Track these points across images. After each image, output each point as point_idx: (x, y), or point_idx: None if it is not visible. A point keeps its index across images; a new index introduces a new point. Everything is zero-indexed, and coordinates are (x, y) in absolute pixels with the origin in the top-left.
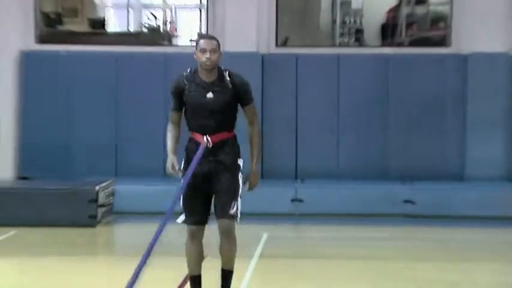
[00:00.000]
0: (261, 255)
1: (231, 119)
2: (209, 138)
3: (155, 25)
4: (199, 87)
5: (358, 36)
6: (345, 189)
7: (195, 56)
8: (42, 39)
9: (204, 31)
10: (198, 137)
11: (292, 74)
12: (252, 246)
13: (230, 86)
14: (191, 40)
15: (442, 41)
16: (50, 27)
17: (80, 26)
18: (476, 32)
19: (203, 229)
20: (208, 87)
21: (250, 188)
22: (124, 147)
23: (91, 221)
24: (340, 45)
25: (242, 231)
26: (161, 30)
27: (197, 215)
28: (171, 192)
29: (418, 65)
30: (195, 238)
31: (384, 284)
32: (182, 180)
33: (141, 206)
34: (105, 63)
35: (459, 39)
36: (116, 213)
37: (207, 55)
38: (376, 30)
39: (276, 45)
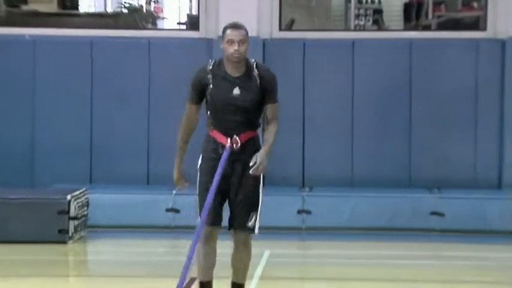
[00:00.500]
0: (262, 277)
1: (257, 117)
2: (235, 139)
3: (137, 5)
4: (225, 82)
5: (376, 18)
6: (360, 199)
7: (221, 46)
8: (2, 20)
9: (194, 12)
10: (219, 136)
11: (298, 63)
12: (252, 266)
13: (258, 80)
14: (179, 23)
15: (476, 24)
16: (12, 6)
17: (48, 5)
18: None
19: (217, 231)
20: (234, 82)
21: (256, 168)
22: (100, 149)
23: (61, 237)
24: (356, 28)
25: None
26: (144, 10)
27: (213, 215)
28: (156, 202)
29: (447, 52)
30: (209, 240)
31: None
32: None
33: (120, 218)
34: (78, 50)
35: (496, 22)
36: (91, 227)
37: (235, 46)
38: (398, 10)
39: (280, 29)
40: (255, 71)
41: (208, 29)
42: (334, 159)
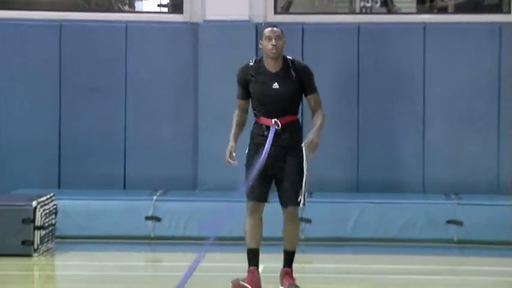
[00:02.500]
0: None
1: (296, 104)
2: (277, 121)
3: None
4: (265, 78)
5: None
6: (367, 206)
7: (260, 46)
8: None
9: None
10: (264, 120)
11: (296, 49)
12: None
13: (294, 74)
14: (160, 5)
15: (499, 6)
16: None
17: None
18: None
19: (263, 206)
20: (273, 77)
21: (308, 146)
22: (70, 149)
23: (26, 249)
24: (362, 11)
25: (231, 261)
26: None
27: (258, 192)
28: (132, 209)
29: (466, 37)
30: (254, 213)
31: None
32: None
33: (92, 228)
34: (44, 35)
35: None
36: (59, 238)
37: (273, 42)
38: None
39: (275, 11)
40: (291, 66)
41: (194, 12)
42: (337, 159)
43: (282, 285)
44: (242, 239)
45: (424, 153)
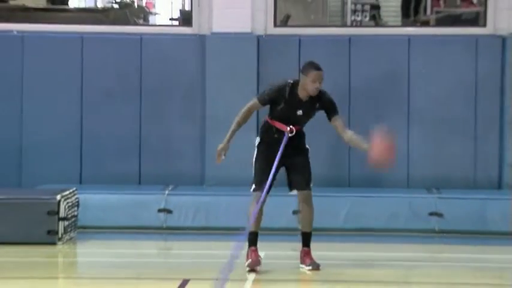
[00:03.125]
0: (256, 280)
1: (306, 123)
2: (291, 128)
3: (128, 0)
4: (294, 103)
5: (373, 13)
6: (357, 200)
7: (302, 81)
8: None
9: (187, 7)
10: (278, 125)
11: (293, 60)
12: (246, 268)
13: (317, 104)
14: (171, 19)
15: (476, 20)
16: (0, 1)
17: (36, 0)
18: None
19: (266, 197)
20: (301, 105)
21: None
22: (91, 148)
23: (50, 238)
24: (352, 24)
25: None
26: (135, 5)
27: (269, 186)
28: (146, 202)
29: (446, 48)
30: (263, 203)
31: None
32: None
33: (110, 219)
34: (67, 46)
35: (496, 18)
36: (81, 228)
37: (317, 85)
38: (395, 6)
39: (275, 24)
40: (318, 99)
41: (201, 25)
42: (329, 157)
43: (302, 262)
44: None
45: (408, 152)
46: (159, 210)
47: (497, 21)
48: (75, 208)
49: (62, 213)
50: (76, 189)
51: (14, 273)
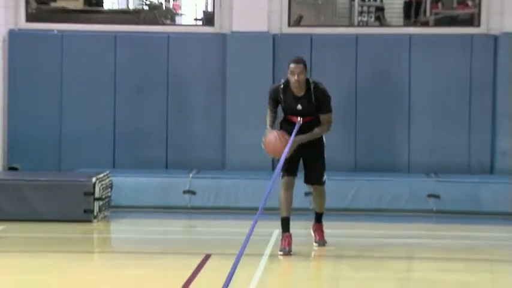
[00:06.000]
0: (271, 254)
1: (315, 113)
2: (301, 119)
3: (157, 2)
4: (291, 100)
5: (378, 14)
6: (363, 183)
7: (288, 74)
8: (32, 16)
9: (210, 8)
10: (292, 118)
11: (306, 57)
12: (262, 244)
13: (313, 97)
14: (196, 19)
15: (471, 20)
16: (42, 3)
17: (74, 2)
18: (509, 11)
19: (294, 180)
20: (298, 100)
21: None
22: (123, 136)
23: (87, 216)
24: (359, 24)
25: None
26: (163, 7)
27: (290, 169)
28: (174, 185)
29: (443, 46)
30: (288, 187)
31: (406, 286)
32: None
33: (140, 199)
34: (102, 44)
35: (489, 18)
36: (114, 208)
37: (296, 77)
38: (398, 8)
39: (289, 24)
40: (313, 91)
41: (223, 25)
42: (339, 146)
43: (314, 231)
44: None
45: (409, 141)
46: (184, 192)
47: (490, 22)
48: (109, 189)
49: (97, 194)
50: (109, 173)
51: (54, 248)
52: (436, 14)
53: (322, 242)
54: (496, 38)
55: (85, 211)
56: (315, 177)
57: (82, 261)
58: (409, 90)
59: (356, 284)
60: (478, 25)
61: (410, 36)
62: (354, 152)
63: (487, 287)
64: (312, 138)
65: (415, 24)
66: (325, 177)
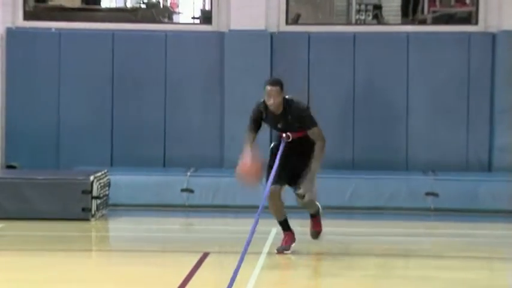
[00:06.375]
0: (269, 252)
1: (300, 127)
2: (288, 135)
3: (154, 0)
4: (272, 118)
5: (376, 12)
6: (361, 181)
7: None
8: (30, 15)
9: (207, 7)
10: (279, 133)
11: (304, 55)
12: (260, 243)
13: (289, 117)
14: (193, 17)
15: (468, 18)
16: (39, 2)
17: (72, 0)
18: (506, 9)
19: (280, 189)
20: (277, 119)
21: (304, 196)
22: (121, 134)
23: (85, 214)
24: (357, 22)
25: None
26: (161, 5)
27: (277, 179)
28: (171, 183)
29: (441, 44)
30: (273, 197)
31: (404, 283)
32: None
33: (139, 198)
34: (100, 42)
35: (487, 16)
36: (112, 206)
37: (271, 100)
38: (396, 6)
39: (287, 22)
40: (288, 110)
41: (220, 23)
42: (337, 143)
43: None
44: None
45: (407, 138)
46: (182, 190)
47: (488, 20)
48: (107, 188)
49: (94, 193)
50: (107, 171)
51: (53, 246)
52: (433, 12)
53: (315, 234)
54: (494, 36)
55: (83, 209)
56: (302, 192)
57: (80, 259)
58: (407, 88)
59: (354, 281)
60: (476, 23)
61: (408, 35)
62: (352, 150)
63: (485, 284)
64: (320, 162)
65: (412, 22)
66: (314, 191)
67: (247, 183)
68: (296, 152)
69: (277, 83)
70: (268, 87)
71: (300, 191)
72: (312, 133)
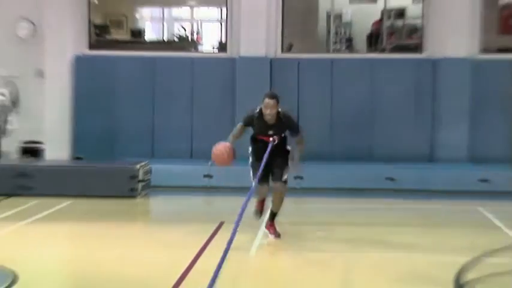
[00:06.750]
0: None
1: (284, 134)
2: (274, 138)
3: (184, 35)
4: (264, 126)
5: (348, 44)
6: (338, 169)
7: (262, 106)
8: (93, 46)
9: (223, 40)
10: (264, 138)
11: (294, 75)
12: (264, 214)
13: (283, 125)
14: (213, 47)
15: (416, 48)
16: (99, 36)
17: (123, 35)
18: (445, 40)
19: (266, 188)
20: (270, 127)
21: (296, 169)
22: (159, 134)
23: (132, 193)
24: (334, 51)
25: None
26: (189, 39)
27: (263, 178)
28: (196, 170)
29: (396, 67)
30: (261, 196)
31: (368, 247)
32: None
33: (172, 181)
34: (144, 66)
35: (431, 46)
36: (152, 187)
37: (269, 111)
38: (363, 39)
39: (282, 51)
40: (282, 120)
41: (233, 51)
42: (320, 142)
43: (267, 230)
44: None
45: (373, 138)
46: (204, 176)
47: (430, 49)
48: (149, 174)
49: (140, 177)
50: (149, 161)
51: (107, 218)
52: (391, 43)
53: (278, 234)
54: (434, 61)
55: (131, 190)
56: (279, 175)
57: (128, 227)
58: (372, 99)
59: (334, 242)
60: (422, 52)
61: (372, 61)
62: (332, 146)
63: (431, 246)
64: (303, 152)
65: (375, 51)
66: (286, 176)
67: (220, 164)
68: (277, 150)
69: (274, 96)
70: (267, 100)
71: (289, 169)
72: (297, 138)
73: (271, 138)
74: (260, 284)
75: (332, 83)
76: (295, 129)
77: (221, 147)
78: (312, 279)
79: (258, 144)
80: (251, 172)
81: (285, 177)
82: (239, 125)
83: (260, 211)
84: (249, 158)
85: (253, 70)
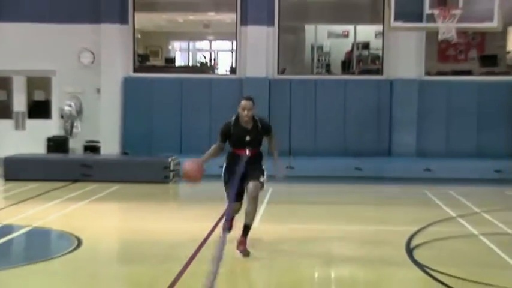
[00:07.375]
0: (268, 202)
1: (259, 145)
2: (248, 151)
3: (204, 61)
4: (241, 132)
5: (327, 68)
6: (320, 161)
7: (238, 110)
8: (136, 69)
9: (234, 65)
10: (239, 151)
11: (286, 93)
12: (261, 196)
13: (260, 130)
14: (226, 70)
15: (378, 71)
16: (142, 62)
17: (159, 62)
18: (399, 66)
19: (240, 205)
20: (247, 132)
21: (279, 174)
22: (185, 135)
23: (165, 180)
24: (317, 73)
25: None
26: (208, 65)
27: (237, 196)
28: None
29: (363, 86)
30: (236, 210)
31: (341, 219)
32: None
33: None
34: (174, 85)
35: (388, 70)
36: (180, 176)
37: (245, 112)
38: (338, 64)
39: (278, 73)
40: (259, 124)
41: (241, 73)
42: (306, 141)
43: (237, 248)
44: None
45: (344, 139)
46: (220, 167)
47: (388, 72)
48: (178, 165)
49: (171, 168)
50: (177, 156)
51: (146, 199)
52: (359, 68)
53: (246, 252)
54: (391, 81)
55: (165, 177)
56: (251, 179)
57: (161, 206)
58: (345, 109)
59: (306, 216)
60: (382, 74)
61: (346, 81)
62: (315, 143)
63: (387, 219)
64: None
65: (348, 73)
66: (262, 179)
67: (190, 181)
68: (250, 163)
69: (250, 98)
70: (244, 102)
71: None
72: (271, 140)
73: (247, 151)
74: (251, 250)
75: (316, 97)
76: (270, 131)
77: (191, 164)
78: (295, 247)
79: (234, 159)
80: (225, 192)
81: (262, 179)
82: (215, 144)
83: (229, 228)
84: (222, 176)
85: (256, 87)
